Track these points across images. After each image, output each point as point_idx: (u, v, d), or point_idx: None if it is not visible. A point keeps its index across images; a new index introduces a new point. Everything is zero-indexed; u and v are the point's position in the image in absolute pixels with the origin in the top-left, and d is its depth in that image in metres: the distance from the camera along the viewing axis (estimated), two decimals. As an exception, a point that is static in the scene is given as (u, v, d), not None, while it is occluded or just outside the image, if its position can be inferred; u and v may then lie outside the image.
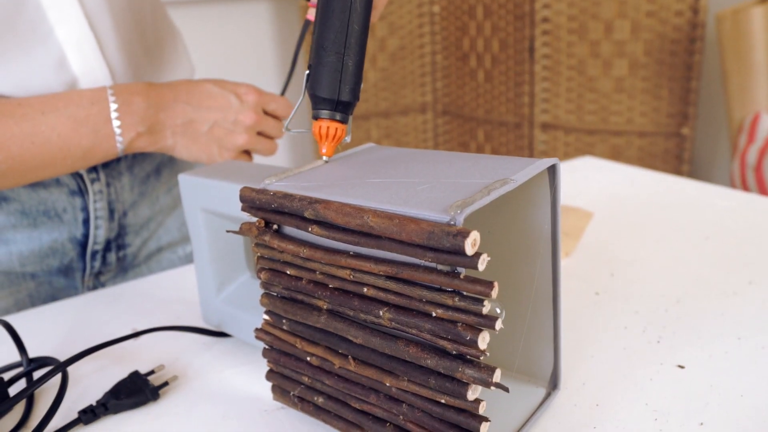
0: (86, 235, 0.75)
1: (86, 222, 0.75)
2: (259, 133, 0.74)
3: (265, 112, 0.74)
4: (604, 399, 0.49)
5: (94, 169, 0.74)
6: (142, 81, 0.75)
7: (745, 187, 1.78)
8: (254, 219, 0.49)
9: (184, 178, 0.57)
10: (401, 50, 2.42)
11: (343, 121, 0.49)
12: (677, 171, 2.12)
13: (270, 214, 0.43)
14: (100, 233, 0.76)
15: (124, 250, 0.80)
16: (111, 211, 0.77)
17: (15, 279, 0.72)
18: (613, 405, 0.48)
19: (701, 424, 0.46)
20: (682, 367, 0.52)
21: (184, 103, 0.69)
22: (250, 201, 0.44)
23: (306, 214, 0.40)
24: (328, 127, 0.48)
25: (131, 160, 0.79)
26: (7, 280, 0.71)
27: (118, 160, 0.77)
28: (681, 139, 2.10)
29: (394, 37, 2.40)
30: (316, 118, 0.49)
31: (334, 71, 0.47)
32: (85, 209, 0.74)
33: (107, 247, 0.78)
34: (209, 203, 0.55)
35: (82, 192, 0.73)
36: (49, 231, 0.72)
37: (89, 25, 0.67)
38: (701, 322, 0.59)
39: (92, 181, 0.74)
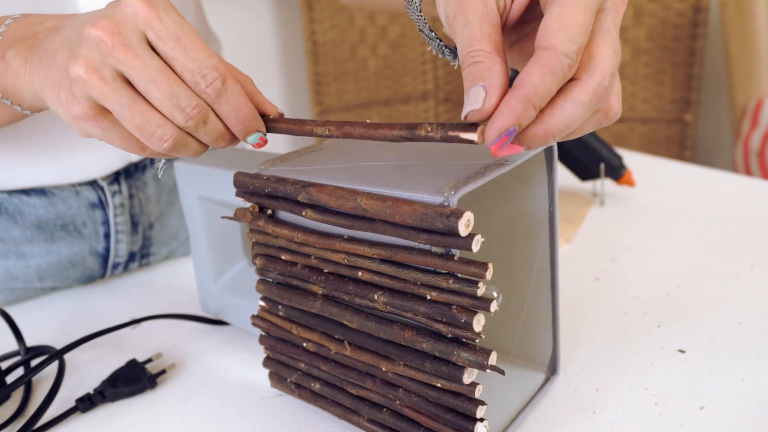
0: (108, 249, 0.70)
1: (107, 236, 0.70)
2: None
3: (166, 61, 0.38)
4: (604, 384, 0.48)
5: (115, 181, 0.68)
6: None
7: (748, 173, 1.77)
8: (249, 204, 0.49)
9: (179, 165, 0.56)
10: (402, 38, 2.41)
11: None
12: (680, 157, 2.11)
13: (264, 199, 0.43)
14: (121, 247, 0.71)
15: (148, 259, 0.75)
16: (134, 225, 0.71)
17: (34, 294, 0.69)
18: (612, 390, 0.48)
19: (701, 408, 0.45)
20: (682, 351, 0.52)
21: (41, 18, 0.46)
22: (244, 186, 0.44)
23: (300, 198, 0.40)
24: None
25: None
26: (24, 295, 0.69)
27: (143, 169, 0.71)
28: (684, 126, 2.09)
29: (395, 24, 2.39)
30: None
31: None
32: (106, 223, 0.69)
33: (131, 258, 0.73)
34: (205, 190, 0.55)
35: (102, 205, 0.68)
36: (69, 245, 0.68)
37: None
38: (702, 307, 0.58)
39: (113, 194, 0.68)
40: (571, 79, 0.33)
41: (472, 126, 0.32)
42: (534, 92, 0.31)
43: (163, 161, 0.44)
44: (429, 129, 0.33)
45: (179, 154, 0.40)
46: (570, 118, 0.33)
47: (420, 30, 0.41)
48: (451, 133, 0.32)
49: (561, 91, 0.33)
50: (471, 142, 0.32)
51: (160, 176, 0.55)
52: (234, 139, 0.40)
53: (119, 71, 0.37)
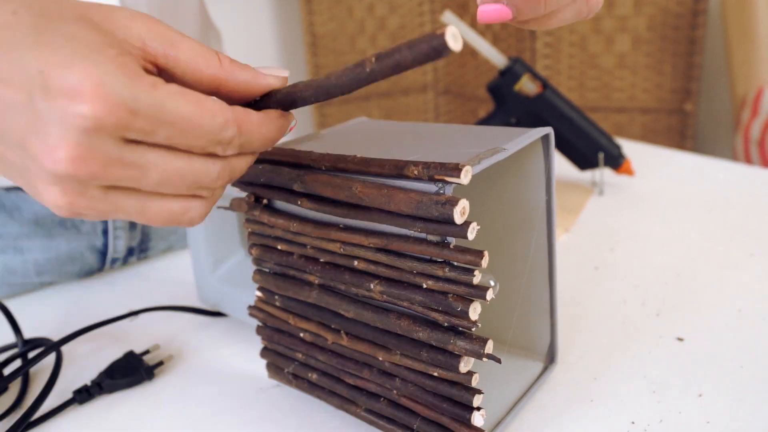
0: (106, 245, 0.70)
1: (105, 232, 0.69)
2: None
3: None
4: (602, 372, 0.48)
5: None
6: None
7: (748, 162, 1.76)
8: (244, 194, 0.49)
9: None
10: (401, 29, 2.40)
11: None
12: (680, 147, 2.11)
13: (259, 189, 0.43)
14: (119, 243, 0.71)
15: (146, 253, 0.75)
16: (132, 224, 0.71)
17: (32, 288, 0.69)
18: (611, 378, 0.48)
19: (700, 395, 0.45)
20: (681, 339, 0.52)
21: None
22: (239, 176, 0.43)
23: (295, 187, 0.40)
24: None
25: None
26: (23, 290, 0.69)
27: None
28: (684, 115, 2.08)
29: (395, 15, 2.38)
30: None
31: None
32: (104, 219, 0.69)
33: (129, 253, 0.73)
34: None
35: None
36: (67, 241, 0.68)
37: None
38: (701, 295, 0.58)
39: None
40: None
41: (455, 170, 0.33)
42: None
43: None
44: (416, 171, 0.34)
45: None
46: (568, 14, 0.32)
47: None
48: (437, 177, 0.33)
49: None
50: (458, 183, 0.33)
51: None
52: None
53: (111, 185, 0.29)
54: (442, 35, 0.26)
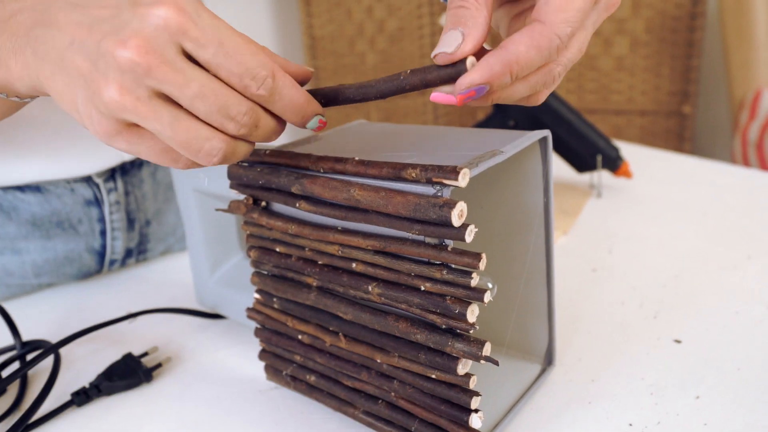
0: (104, 246, 0.70)
1: (103, 233, 0.69)
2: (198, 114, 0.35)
3: (204, 67, 0.34)
4: (600, 374, 0.48)
5: (111, 178, 0.68)
6: None
7: (746, 164, 1.76)
8: (243, 197, 0.49)
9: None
10: (400, 31, 2.40)
11: None
12: (679, 149, 2.11)
13: (258, 191, 0.43)
14: (117, 244, 0.70)
15: (145, 255, 0.75)
16: (130, 222, 0.71)
17: (30, 289, 0.69)
18: (608, 380, 0.48)
19: (697, 397, 0.45)
20: (678, 341, 0.52)
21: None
22: (238, 178, 0.43)
23: (293, 190, 0.40)
24: None
25: (154, 166, 0.73)
26: (20, 291, 0.68)
27: (139, 166, 0.71)
28: (682, 118, 2.08)
29: (393, 18, 2.38)
30: None
31: None
32: (102, 220, 0.68)
33: (127, 255, 0.73)
34: (200, 183, 0.55)
35: (98, 202, 0.67)
36: (65, 242, 0.67)
37: None
38: (699, 297, 0.58)
39: (109, 191, 0.67)
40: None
41: (453, 173, 0.33)
42: (516, 59, 0.32)
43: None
44: (414, 174, 0.35)
45: (227, 163, 0.36)
46: (519, 92, 0.34)
47: None
48: (435, 179, 0.34)
49: None
50: (455, 186, 0.34)
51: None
52: (284, 127, 0.38)
53: (157, 90, 0.33)
54: (464, 62, 0.32)
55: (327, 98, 0.37)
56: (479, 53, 0.34)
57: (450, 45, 0.32)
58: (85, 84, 0.34)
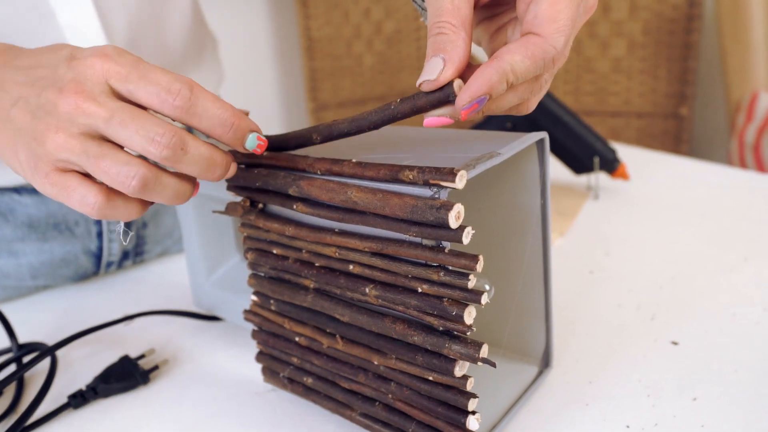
0: (101, 248, 0.69)
1: (100, 235, 0.69)
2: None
3: (138, 105, 0.37)
4: (597, 376, 0.48)
5: None
6: None
7: (743, 166, 1.77)
8: (240, 199, 0.49)
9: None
10: (397, 33, 2.40)
11: None
12: (676, 151, 2.11)
13: (255, 193, 0.43)
14: (114, 246, 0.70)
15: (142, 257, 0.75)
16: (127, 224, 0.69)
17: (26, 292, 0.69)
18: (606, 382, 0.48)
19: (694, 399, 0.45)
20: (675, 343, 0.52)
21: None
22: (235, 179, 0.43)
23: (290, 192, 0.40)
24: None
25: None
26: (17, 293, 0.68)
27: None
28: (679, 120, 2.09)
29: (391, 20, 2.38)
30: None
31: None
32: (99, 222, 0.68)
33: (124, 257, 0.73)
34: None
35: None
36: (61, 244, 0.67)
37: (95, 7, 0.59)
38: (696, 299, 0.58)
39: None
40: None
41: (450, 175, 0.33)
42: (511, 68, 0.32)
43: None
44: (411, 176, 0.35)
45: (159, 198, 0.37)
46: (508, 101, 0.35)
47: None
48: (432, 181, 0.34)
49: None
50: (452, 188, 0.34)
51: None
52: (229, 163, 0.38)
53: (90, 127, 0.36)
54: (450, 85, 0.33)
55: (321, 135, 0.39)
56: (467, 71, 0.34)
57: (432, 72, 0.34)
58: (26, 134, 0.38)
